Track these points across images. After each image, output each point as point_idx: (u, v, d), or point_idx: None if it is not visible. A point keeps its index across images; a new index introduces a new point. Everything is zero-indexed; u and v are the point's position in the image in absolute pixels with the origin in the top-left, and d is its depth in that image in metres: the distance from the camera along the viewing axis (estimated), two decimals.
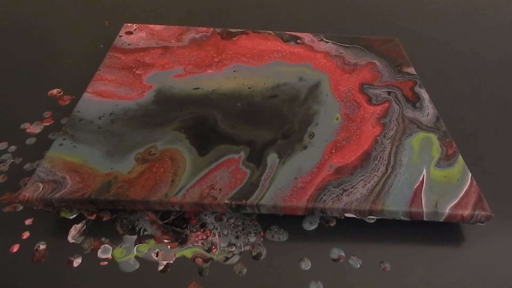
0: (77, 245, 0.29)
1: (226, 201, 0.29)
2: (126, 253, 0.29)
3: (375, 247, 0.31)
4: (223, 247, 0.30)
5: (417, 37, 0.61)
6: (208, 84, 0.41)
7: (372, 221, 0.32)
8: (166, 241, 0.30)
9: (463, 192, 0.32)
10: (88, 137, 0.34)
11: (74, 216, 0.31)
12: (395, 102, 0.41)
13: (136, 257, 0.29)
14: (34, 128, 0.38)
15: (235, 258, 0.29)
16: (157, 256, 0.29)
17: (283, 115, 0.38)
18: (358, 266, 0.30)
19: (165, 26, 0.50)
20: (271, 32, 0.51)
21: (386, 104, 0.40)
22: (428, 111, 0.40)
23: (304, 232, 0.32)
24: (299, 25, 0.61)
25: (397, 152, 0.35)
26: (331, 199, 0.30)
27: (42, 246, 0.29)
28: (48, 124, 0.39)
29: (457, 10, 0.71)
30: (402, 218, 0.31)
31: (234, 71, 0.43)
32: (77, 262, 0.28)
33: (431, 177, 0.33)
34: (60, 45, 0.51)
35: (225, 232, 0.31)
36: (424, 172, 0.33)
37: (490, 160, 0.40)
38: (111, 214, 0.31)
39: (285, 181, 0.31)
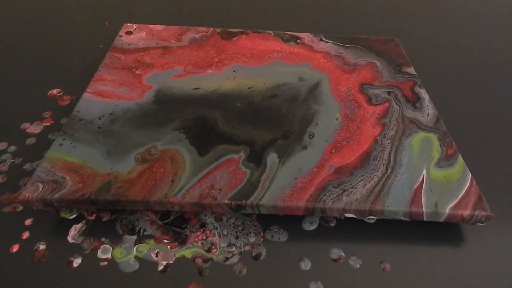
0: (77, 245, 0.29)
1: (226, 201, 0.29)
2: (126, 253, 0.29)
3: (375, 247, 0.31)
4: (223, 247, 0.30)
5: (417, 37, 0.61)
6: (208, 84, 0.41)
7: (372, 221, 0.32)
8: (166, 241, 0.30)
9: (463, 192, 0.32)
10: (88, 137, 0.34)
11: (74, 216, 0.31)
12: (395, 102, 0.41)
13: (136, 257, 0.29)
14: (34, 128, 0.38)
15: (235, 258, 0.29)
16: (157, 256, 0.29)
17: (283, 115, 0.38)
18: (358, 266, 0.30)
19: (165, 26, 0.50)
20: (271, 32, 0.51)
21: (386, 104, 0.40)
22: (428, 111, 0.40)
23: (304, 232, 0.32)
24: (299, 25, 0.61)
25: (397, 152, 0.35)
26: (331, 199, 0.30)
27: (42, 246, 0.29)
28: (48, 124, 0.39)
29: (457, 10, 0.71)
30: (402, 218, 0.31)
31: (234, 71, 0.43)
32: (77, 262, 0.28)
33: (431, 177, 0.33)
34: (60, 45, 0.51)
35: (225, 232, 0.31)
36: (424, 172, 0.33)
37: (490, 160, 0.40)
38: (111, 214, 0.31)
39: (285, 181, 0.31)
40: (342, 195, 0.31)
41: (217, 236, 0.30)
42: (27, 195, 0.28)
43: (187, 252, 0.29)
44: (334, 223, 0.32)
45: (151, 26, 0.50)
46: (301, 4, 0.68)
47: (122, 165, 0.31)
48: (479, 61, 0.56)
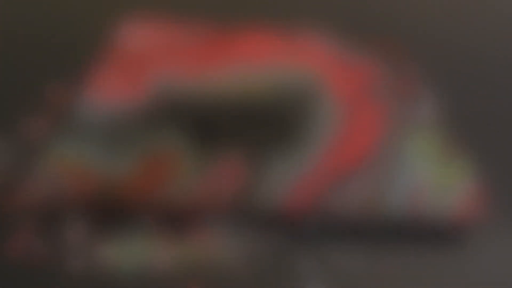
0: (77, 245, 0.29)
1: (226, 201, 0.30)
2: (126, 254, 0.29)
3: (375, 247, 0.31)
4: (222, 247, 0.30)
5: (417, 37, 0.61)
6: (208, 84, 0.41)
7: (372, 221, 0.32)
8: (166, 241, 0.30)
9: (463, 192, 0.32)
10: (88, 137, 0.34)
11: (74, 216, 0.31)
12: (395, 102, 0.41)
13: (136, 257, 0.29)
14: (34, 128, 0.38)
15: (235, 258, 0.29)
16: (157, 256, 0.29)
17: (283, 115, 0.38)
18: (358, 266, 0.30)
19: (166, 25, 0.50)
20: (270, 31, 0.51)
21: (387, 104, 0.41)
22: (429, 111, 0.40)
23: (304, 232, 0.32)
24: (299, 24, 0.61)
25: (398, 153, 0.35)
26: (332, 199, 0.30)
27: (42, 246, 0.29)
28: (47, 124, 0.39)
29: (458, 9, 0.71)
30: (402, 218, 0.31)
31: (234, 71, 0.43)
32: (76, 262, 0.28)
33: (431, 178, 0.33)
34: (59, 44, 0.51)
35: (225, 232, 0.31)
36: (424, 172, 0.33)
37: (491, 160, 0.40)
38: (111, 215, 0.31)
39: (285, 181, 0.31)
40: (342, 195, 0.31)
41: (218, 236, 0.30)
42: (27, 195, 0.28)
43: (187, 252, 0.29)
44: (334, 223, 0.32)
45: (152, 25, 0.50)
46: (301, 4, 0.68)
47: (122, 165, 0.31)
48: (481, 61, 0.56)
